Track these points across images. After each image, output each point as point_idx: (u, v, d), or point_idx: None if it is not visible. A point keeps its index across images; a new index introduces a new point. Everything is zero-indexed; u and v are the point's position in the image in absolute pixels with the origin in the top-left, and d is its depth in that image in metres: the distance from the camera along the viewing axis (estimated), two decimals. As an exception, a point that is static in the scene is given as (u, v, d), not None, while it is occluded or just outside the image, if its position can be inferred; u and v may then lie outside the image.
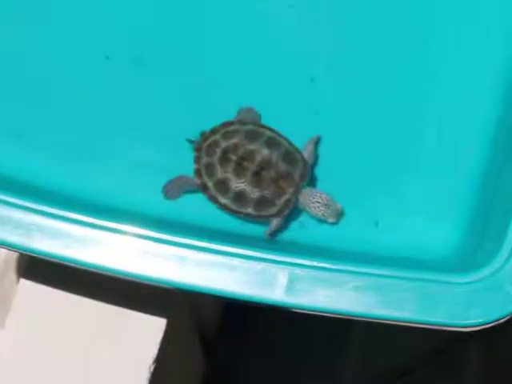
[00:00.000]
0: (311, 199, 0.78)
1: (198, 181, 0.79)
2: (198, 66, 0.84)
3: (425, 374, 1.25)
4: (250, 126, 0.79)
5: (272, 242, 0.78)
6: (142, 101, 0.83)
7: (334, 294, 0.67)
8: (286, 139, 0.79)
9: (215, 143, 0.79)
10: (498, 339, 1.24)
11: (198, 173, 0.79)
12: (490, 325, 0.68)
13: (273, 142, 0.78)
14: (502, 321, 0.68)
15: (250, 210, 0.78)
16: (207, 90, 0.83)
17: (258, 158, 0.77)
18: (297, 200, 0.78)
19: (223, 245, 0.69)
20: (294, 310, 0.69)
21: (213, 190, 0.78)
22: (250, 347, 1.25)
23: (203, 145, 0.80)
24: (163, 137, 0.82)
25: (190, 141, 0.80)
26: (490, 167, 0.78)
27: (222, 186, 0.78)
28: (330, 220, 0.78)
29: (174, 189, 0.80)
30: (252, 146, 0.78)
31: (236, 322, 1.24)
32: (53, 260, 0.70)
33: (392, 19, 0.84)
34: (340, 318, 0.69)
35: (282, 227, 0.79)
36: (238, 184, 0.77)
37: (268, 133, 0.79)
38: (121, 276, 0.70)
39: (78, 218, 0.70)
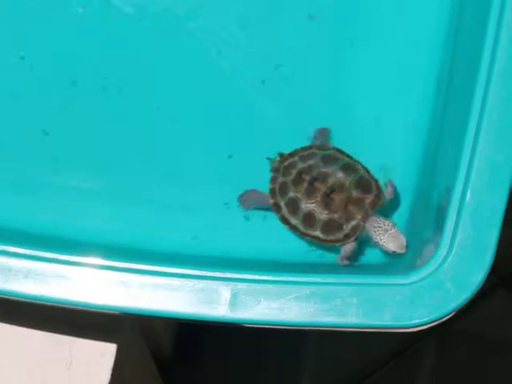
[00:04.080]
0: (374, 225, 0.76)
1: (271, 200, 0.79)
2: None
3: (383, 376, 1.26)
4: (329, 151, 0.79)
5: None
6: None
7: (278, 306, 0.67)
8: (364, 167, 0.79)
9: (292, 165, 0.79)
10: (450, 338, 1.25)
11: (272, 192, 0.79)
12: (434, 323, 0.69)
13: (349, 167, 0.78)
14: (446, 318, 0.69)
15: (317, 233, 0.77)
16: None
17: (331, 181, 0.77)
18: (364, 227, 0.77)
19: (164, 266, 0.69)
20: (243, 325, 0.69)
21: (285, 211, 0.78)
22: (206, 367, 1.25)
23: (281, 166, 0.80)
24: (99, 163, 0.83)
25: (269, 159, 0.81)
26: (423, 172, 0.80)
27: (293, 205, 0.78)
28: (391, 248, 0.76)
29: (249, 200, 0.80)
30: (327, 169, 0.78)
31: (191, 342, 1.24)
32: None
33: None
34: (292, 330, 0.69)
35: (356, 253, 0.79)
36: (307, 204, 0.77)
37: (346, 159, 0.79)
38: (65, 305, 0.70)
39: (16, 250, 0.70)
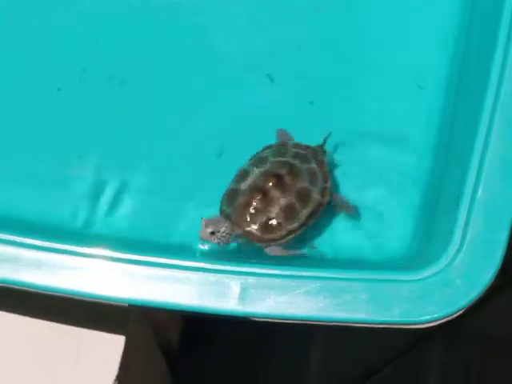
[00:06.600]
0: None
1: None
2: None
3: (389, 373, 1.26)
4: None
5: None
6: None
7: (287, 300, 0.67)
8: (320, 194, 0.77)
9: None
10: (458, 336, 1.25)
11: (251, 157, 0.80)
12: (444, 320, 0.69)
13: (304, 194, 0.76)
14: (455, 315, 0.69)
15: (228, 191, 0.76)
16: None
17: (297, 185, 0.76)
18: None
19: (175, 258, 0.69)
20: (252, 319, 0.69)
21: (238, 176, 0.77)
22: (213, 360, 1.25)
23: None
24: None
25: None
26: (434, 167, 0.79)
27: (244, 173, 0.77)
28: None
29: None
30: (301, 165, 0.77)
31: (199, 335, 1.24)
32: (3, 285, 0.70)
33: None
34: (300, 325, 0.69)
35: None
36: (257, 169, 0.77)
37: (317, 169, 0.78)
38: (75, 296, 0.70)
39: (28, 241, 0.70)
